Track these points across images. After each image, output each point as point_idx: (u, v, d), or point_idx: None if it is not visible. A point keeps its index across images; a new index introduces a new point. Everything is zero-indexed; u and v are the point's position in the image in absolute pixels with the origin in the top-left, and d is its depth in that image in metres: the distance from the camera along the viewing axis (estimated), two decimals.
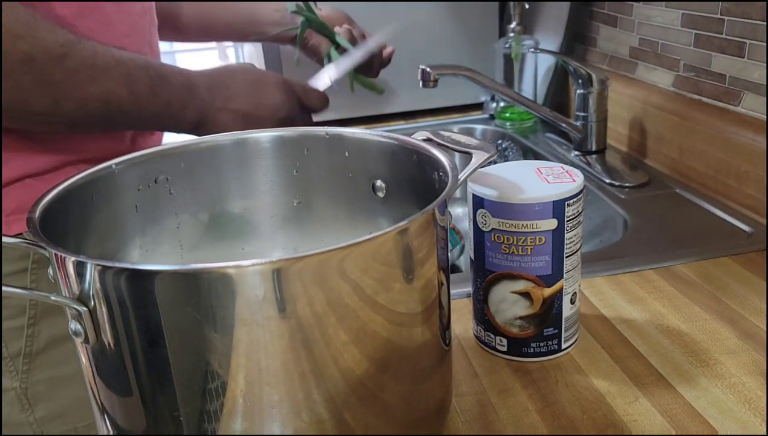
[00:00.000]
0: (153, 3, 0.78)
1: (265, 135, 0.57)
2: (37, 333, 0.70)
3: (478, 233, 0.56)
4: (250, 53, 1.40)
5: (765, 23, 0.79)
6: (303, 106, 0.80)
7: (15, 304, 0.68)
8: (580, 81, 1.00)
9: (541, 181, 0.55)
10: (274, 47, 1.23)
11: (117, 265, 0.38)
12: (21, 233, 0.65)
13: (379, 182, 0.56)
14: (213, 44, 1.71)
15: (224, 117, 0.73)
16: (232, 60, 1.61)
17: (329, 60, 0.99)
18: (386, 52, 1.04)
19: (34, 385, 0.71)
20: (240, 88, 0.74)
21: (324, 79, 0.88)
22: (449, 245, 0.86)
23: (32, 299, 0.68)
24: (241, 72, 0.76)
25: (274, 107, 0.75)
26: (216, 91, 0.73)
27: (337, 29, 1.01)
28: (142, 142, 0.76)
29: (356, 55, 0.96)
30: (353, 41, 1.00)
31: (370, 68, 1.02)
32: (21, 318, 0.69)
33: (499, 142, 1.23)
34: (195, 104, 0.70)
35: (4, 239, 0.42)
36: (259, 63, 1.28)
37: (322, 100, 0.82)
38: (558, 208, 0.53)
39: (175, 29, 0.97)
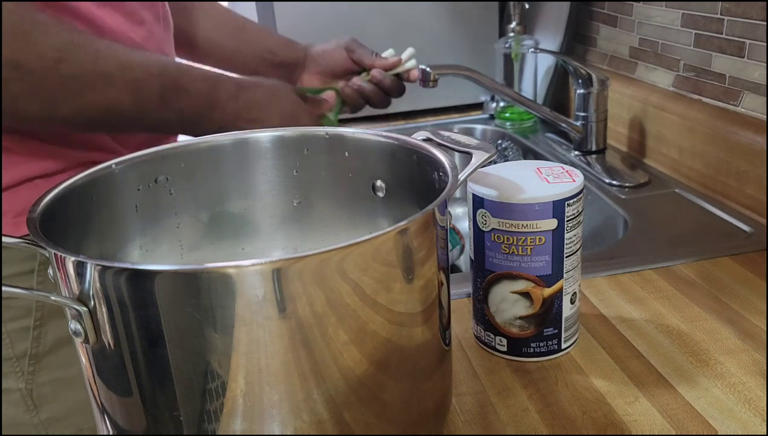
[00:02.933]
0: (167, 7, 0.77)
1: (265, 135, 0.57)
2: (43, 335, 0.70)
3: (478, 233, 0.56)
4: None
5: (765, 23, 0.79)
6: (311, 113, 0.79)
7: (21, 305, 0.68)
8: (580, 81, 1.00)
9: (541, 181, 0.55)
10: None
11: (117, 265, 0.38)
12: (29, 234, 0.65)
13: (379, 182, 0.56)
14: None
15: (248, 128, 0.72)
16: None
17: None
18: (413, 75, 0.90)
19: (39, 386, 0.71)
20: (265, 99, 0.72)
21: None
22: (449, 245, 0.86)
23: (38, 301, 0.68)
24: (268, 83, 0.74)
25: (292, 118, 0.74)
26: (243, 101, 0.70)
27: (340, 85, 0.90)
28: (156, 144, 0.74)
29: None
30: (353, 98, 0.89)
31: (387, 95, 0.90)
32: (27, 319, 0.69)
33: (499, 142, 1.23)
34: (215, 116, 0.67)
35: (5, 239, 0.42)
36: None
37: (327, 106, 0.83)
38: (558, 208, 0.53)
39: (196, 55, 0.92)
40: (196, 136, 0.68)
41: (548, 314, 0.56)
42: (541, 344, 0.57)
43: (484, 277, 0.57)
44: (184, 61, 0.77)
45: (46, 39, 0.57)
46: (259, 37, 0.93)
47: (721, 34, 0.86)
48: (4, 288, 0.39)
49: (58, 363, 0.71)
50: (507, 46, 1.24)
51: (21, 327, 0.69)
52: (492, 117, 1.30)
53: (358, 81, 0.87)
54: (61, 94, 0.58)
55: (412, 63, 0.87)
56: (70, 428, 0.72)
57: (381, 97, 0.88)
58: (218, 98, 0.68)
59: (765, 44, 0.80)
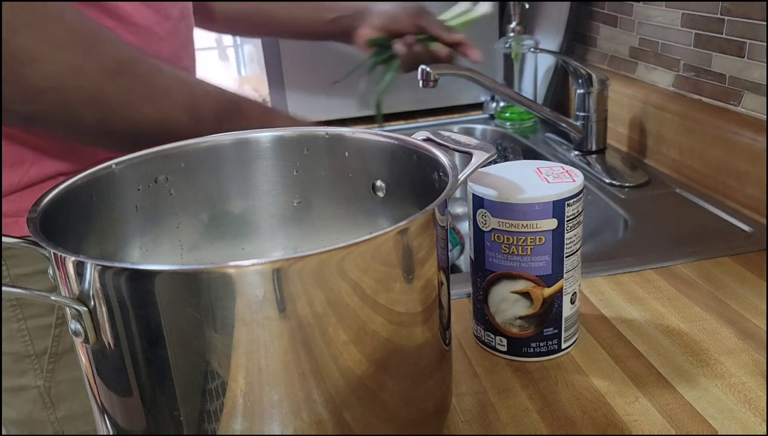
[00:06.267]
0: (191, 6, 0.77)
1: (265, 135, 0.57)
2: (64, 333, 0.70)
3: (478, 233, 0.56)
4: (251, 54, 1.40)
5: (765, 23, 0.79)
6: None
7: (44, 302, 0.68)
8: (580, 81, 1.00)
9: (541, 181, 0.55)
10: (274, 48, 1.23)
11: (117, 265, 0.38)
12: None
13: (379, 182, 0.56)
14: (213, 44, 1.71)
15: None
16: (232, 60, 1.62)
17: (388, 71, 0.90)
18: (473, 54, 0.90)
19: (57, 384, 0.71)
20: None
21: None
22: (449, 244, 0.86)
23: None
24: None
25: None
26: None
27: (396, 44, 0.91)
28: None
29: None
30: (407, 57, 0.89)
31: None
32: (49, 317, 0.69)
33: (499, 142, 1.23)
34: None
35: (5, 239, 0.42)
36: (260, 63, 1.28)
37: None
38: (558, 208, 0.53)
39: (222, 21, 0.93)
40: None
41: (548, 314, 0.56)
42: (541, 344, 0.57)
43: (484, 277, 0.56)
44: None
45: (108, 50, 0.56)
46: None
47: (721, 34, 0.86)
48: (3, 288, 0.39)
49: (77, 362, 0.71)
50: (507, 46, 1.24)
51: (42, 325, 0.69)
52: (492, 117, 1.30)
53: (411, 39, 0.87)
54: (118, 105, 0.57)
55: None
56: (86, 426, 0.73)
57: (432, 62, 0.88)
58: (273, 124, 0.66)
59: (765, 44, 0.79)
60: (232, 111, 0.63)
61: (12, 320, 0.69)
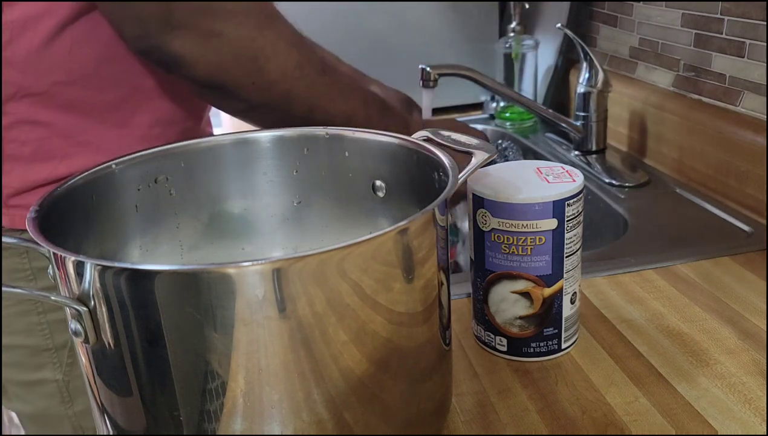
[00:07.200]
0: None
1: (265, 135, 0.57)
2: None
3: (478, 233, 0.56)
4: None
5: (765, 23, 0.79)
6: None
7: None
8: (587, 75, 0.99)
9: (541, 181, 0.55)
10: None
11: (117, 265, 0.38)
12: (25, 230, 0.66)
13: (379, 182, 0.56)
14: None
15: None
16: None
17: None
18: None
19: (76, 378, 0.71)
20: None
21: None
22: (452, 238, 0.86)
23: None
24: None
25: None
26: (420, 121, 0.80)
27: None
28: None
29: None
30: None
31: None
32: None
33: (499, 142, 1.23)
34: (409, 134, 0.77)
35: (5, 239, 0.42)
36: None
37: None
38: (558, 208, 0.53)
39: None
40: None
41: (548, 314, 0.56)
42: (541, 344, 0.57)
43: (484, 277, 0.56)
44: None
45: (316, 51, 0.68)
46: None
47: (721, 34, 0.86)
48: (3, 288, 0.39)
49: None
50: (507, 46, 1.24)
51: (63, 318, 0.69)
52: (492, 117, 1.30)
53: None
54: (324, 98, 0.67)
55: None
56: None
57: None
58: (411, 123, 0.77)
59: (765, 44, 0.79)
60: (388, 111, 0.74)
61: (32, 313, 0.69)
